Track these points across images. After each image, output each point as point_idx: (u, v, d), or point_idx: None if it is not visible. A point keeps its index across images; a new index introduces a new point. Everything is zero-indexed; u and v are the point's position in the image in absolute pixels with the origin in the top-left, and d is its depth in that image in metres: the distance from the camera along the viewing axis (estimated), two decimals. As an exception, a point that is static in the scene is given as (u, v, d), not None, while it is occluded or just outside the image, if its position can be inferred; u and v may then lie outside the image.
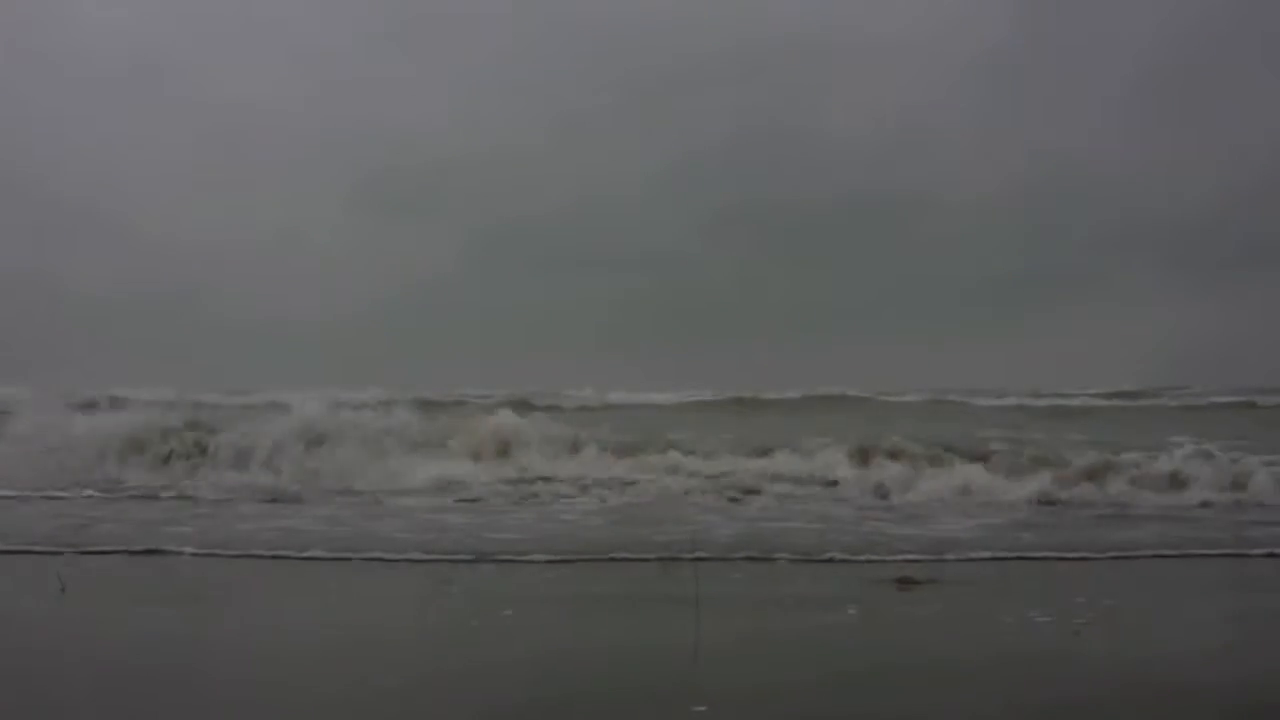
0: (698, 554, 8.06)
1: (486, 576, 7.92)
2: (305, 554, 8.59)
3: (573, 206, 36.09)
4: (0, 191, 34.77)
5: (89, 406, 18.18)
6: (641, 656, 5.63)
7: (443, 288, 34.55)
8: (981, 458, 13.43)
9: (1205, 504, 11.44)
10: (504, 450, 14.52)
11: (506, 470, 13.79)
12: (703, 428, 17.22)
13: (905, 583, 7.24)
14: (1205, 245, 33.80)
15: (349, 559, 8.44)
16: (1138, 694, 4.90)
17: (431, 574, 7.91)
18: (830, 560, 8.29)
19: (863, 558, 8.29)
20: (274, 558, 8.55)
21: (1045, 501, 11.54)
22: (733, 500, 12.07)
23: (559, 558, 8.41)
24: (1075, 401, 23.05)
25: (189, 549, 8.79)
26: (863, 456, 13.72)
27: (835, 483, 12.50)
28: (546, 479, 13.47)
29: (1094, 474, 12.39)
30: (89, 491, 12.85)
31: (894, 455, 13.70)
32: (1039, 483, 12.14)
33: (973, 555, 8.38)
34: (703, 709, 4.50)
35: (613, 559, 8.45)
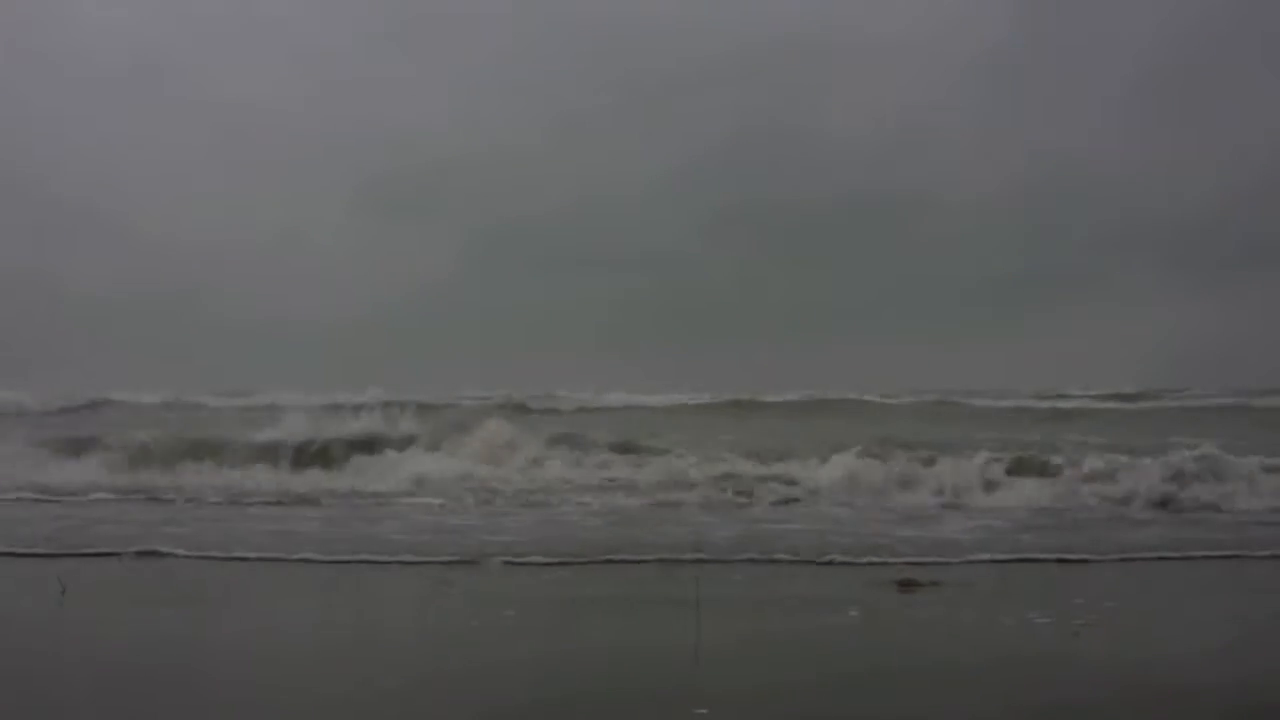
0: (698, 556, 8.07)
1: (486, 578, 7.91)
2: (300, 556, 8.59)
3: (573, 207, 36.08)
4: (0, 191, 34.77)
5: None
6: (642, 658, 5.62)
7: (443, 288, 34.53)
8: (981, 459, 13.40)
9: (1205, 506, 11.43)
10: (502, 453, 14.48)
11: (504, 473, 13.76)
12: (702, 429, 17.24)
13: (906, 585, 7.24)
14: (1205, 245, 33.78)
15: (348, 562, 8.44)
16: (1138, 695, 4.90)
17: (432, 576, 7.91)
18: (831, 562, 8.29)
19: (864, 560, 8.29)
20: (272, 560, 8.55)
21: (1045, 503, 11.52)
22: (733, 502, 12.06)
23: (558, 560, 8.41)
24: (1075, 403, 23.04)
25: (184, 551, 8.80)
26: (863, 458, 13.71)
27: (835, 484, 12.48)
28: (547, 481, 13.45)
29: (1094, 476, 12.38)
30: (90, 495, 12.82)
31: (894, 456, 13.69)
32: (1039, 484, 12.12)
33: (973, 557, 8.38)
34: (704, 711, 4.50)
35: (610, 561, 8.45)
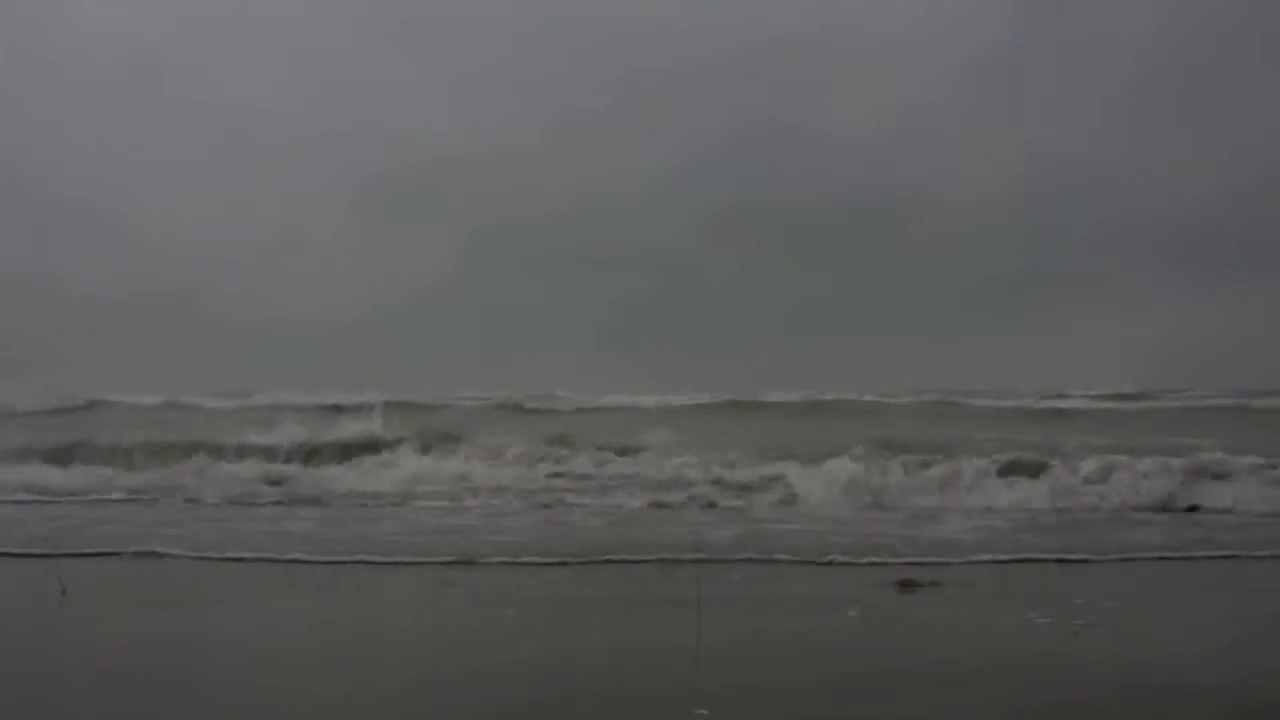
0: (698, 556, 8.06)
1: (486, 578, 7.91)
2: (300, 557, 8.59)
3: (573, 207, 36.08)
4: (3, 193, 34.77)
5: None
6: (642, 659, 5.62)
7: (443, 289, 34.52)
8: (981, 459, 13.39)
9: (1205, 506, 11.42)
10: (501, 453, 14.47)
11: (503, 473, 13.75)
12: (702, 429, 17.22)
13: (907, 585, 7.24)
14: (1205, 245, 33.78)
15: (346, 562, 8.43)
16: (1138, 696, 4.89)
17: (433, 576, 7.90)
18: (831, 563, 8.28)
19: (864, 560, 8.28)
20: (269, 560, 8.54)
21: (1045, 503, 11.52)
22: (733, 502, 12.06)
23: (557, 560, 8.41)
24: (1075, 403, 23.03)
25: (180, 551, 8.79)
26: (863, 458, 13.70)
27: (835, 484, 12.46)
28: (546, 481, 13.45)
29: (1094, 476, 12.37)
30: (85, 495, 12.81)
31: (894, 457, 13.68)
32: (1039, 485, 12.11)
33: (974, 558, 8.37)
34: (704, 712, 4.49)
35: (610, 561, 8.45)
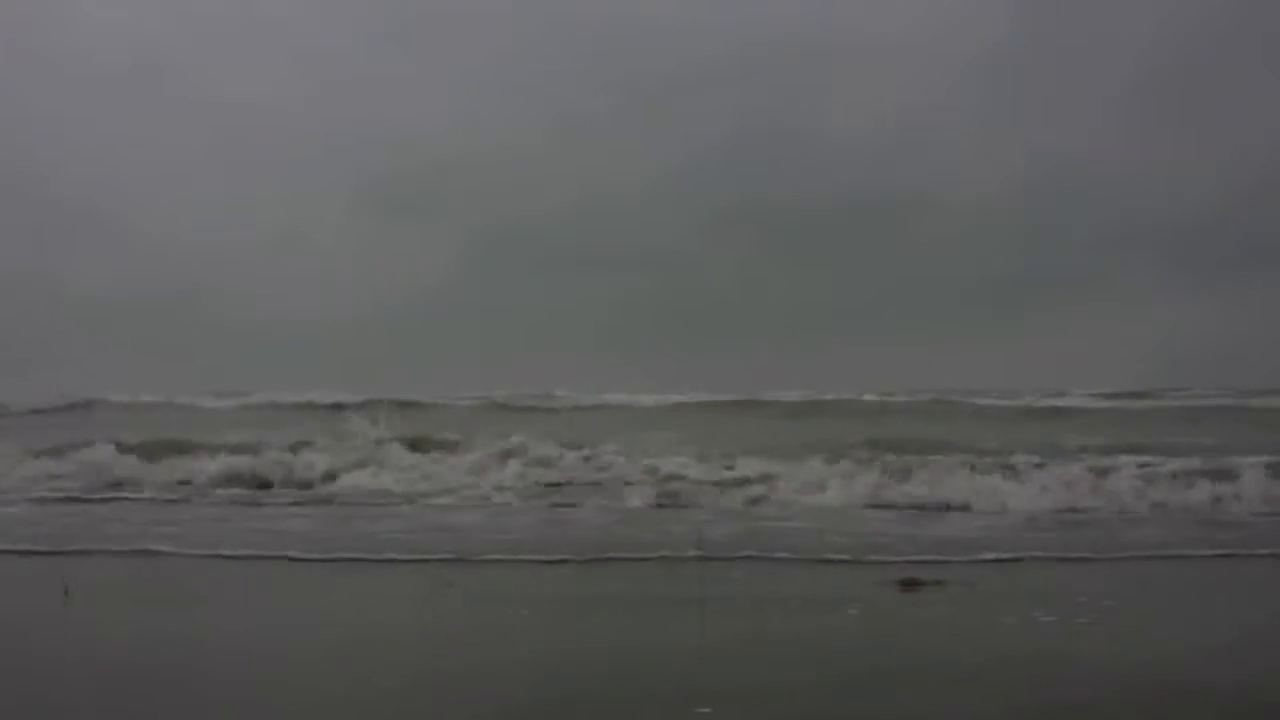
0: (700, 554, 8.06)
1: (486, 577, 7.91)
2: (300, 556, 8.58)
3: (573, 207, 36.08)
4: (3, 193, 34.76)
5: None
6: (644, 657, 5.61)
7: (443, 289, 34.53)
8: (982, 458, 13.40)
9: (1205, 506, 11.42)
10: (501, 452, 14.45)
11: (503, 473, 13.73)
12: (702, 429, 17.21)
13: (909, 584, 7.23)
14: (1205, 245, 33.79)
15: (346, 561, 8.43)
16: (1141, 695, 4.88)
17: (432, 575, 7.90)
18: (833, 561, 8.28)
19: (866, 559, 8.29)
20: (266, 559, 8.54)
21: (1047, 503, 11.51)
22: (734, 501, 12.05)
23: (558, 558, 8.41)
24: (1075, 402, 23.03)
25: (181, 550, 8.79)
26: (863, 457, 13.69)
27: (836, 484, 12.45)
28: (545, 480, 13.44)
29: (1094, 475, 12.36)
30: (81, 495, 12.79)
31: (896, 456, 13.68)
32: (1040, 484, 12.11)
33: (976, 557, 8.37)
34: (707, 710, 4.49)
35: (611, 559, 8.45)
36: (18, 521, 10.68)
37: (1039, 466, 12.77)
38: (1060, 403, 22.95)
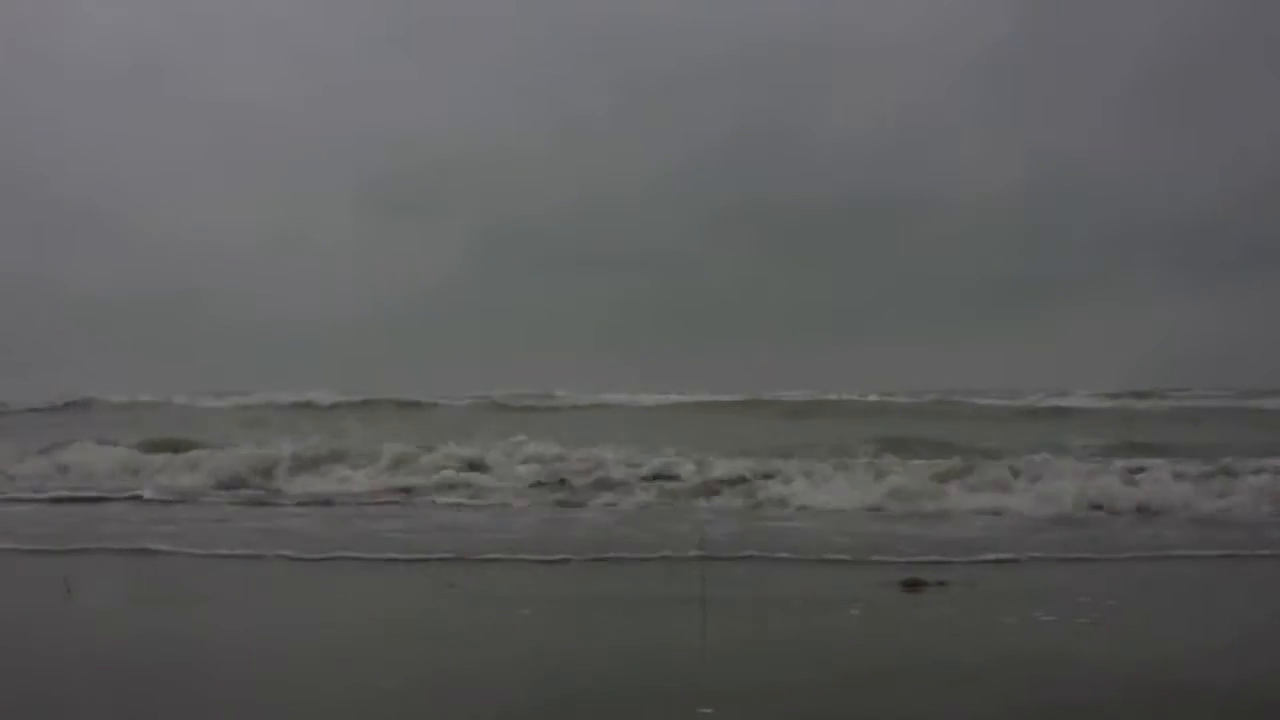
0: (702, 554, 8.05)
1: (487, 577, 7.90)
2: (299, 556, 8.58)
3: (574, 207, 36.11)
4: (3, 193, 34.78)
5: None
6: (646, 657, 5.60)
7: (444, 289, 34.56)
8: (983, 459, 13.40)
9: (1204, 505, 11.41)
10: (500, 452, 14.44)
11: (501, 472, 13.72)
12: (703, 429, 17.21)
13: (912, 585, 7.23)
14: (1205, 246, 33.83)
15: (347, 560, 8.42)
16: (1142, 695, 4.88)
17: (434, 574, 7.90)
18: (835, 562, 8.28)
19: (869, 560, 8.28)
20: (263, 558, 8.53)
21: (1048, 503, 11.50)
22: (736, 501, 12.05)
23: (559, 557, 8.41)
24: (1075, 402, 23.03)
25: (176, 549, 8.78)
26: (865, 458, 13.70)
27: (837, 484, 12.45)
28: (547, 479, 13.43)
29: (1095, 475, 12.36)
30: (76, 494, 12.76)
31: (897, 456, 13.68)
32: (1041, 483, 12.10)
33: (979, 557, 8.37)
34: (709, 711, 4.48)
35: (614, 559, 8.45)
36: (15, 520, 10.66)
37: (1040, 467, 12.76)
38: (1061, 403, 22.95)
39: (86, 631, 6.23)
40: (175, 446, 15.02)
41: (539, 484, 13.20)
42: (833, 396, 24.02)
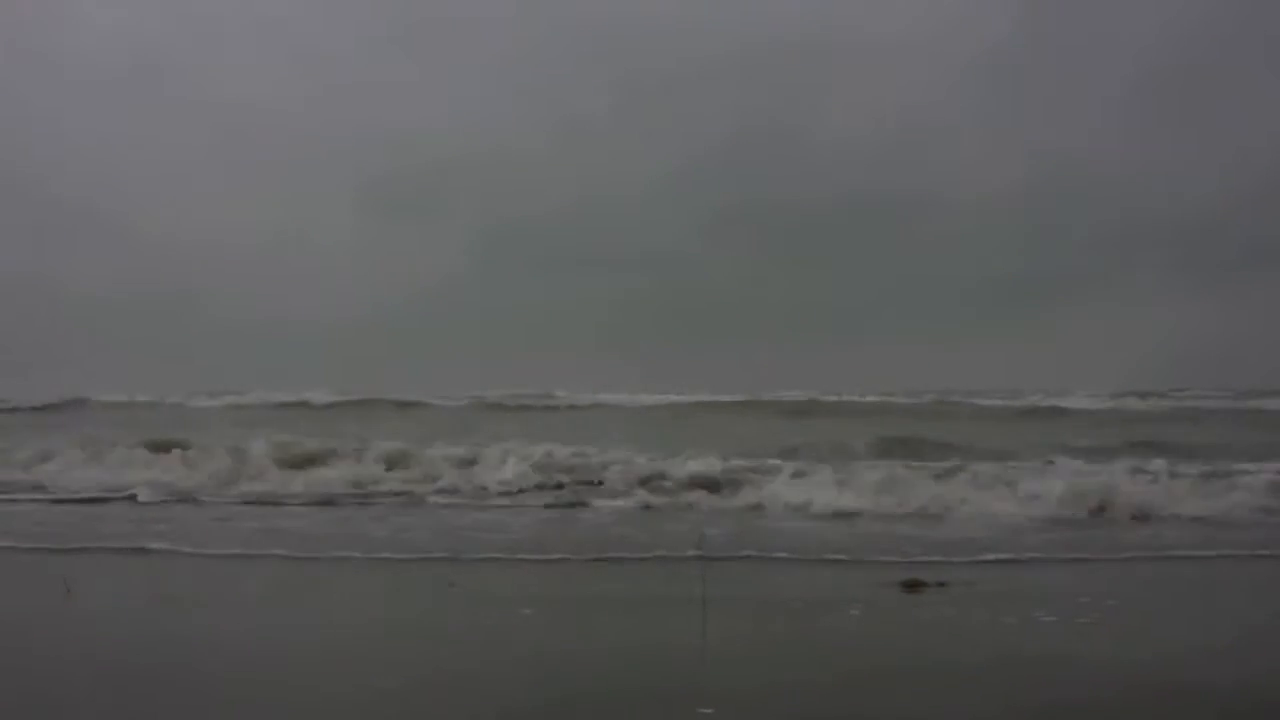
0: (702, 554, 8.04)
1: (486, 577, 7.89)
2: (297, 555, 8.57)
3: (574, 207, 36.13)
4: (3, 193, 34.80)
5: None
6: (647, 657, 5.58)
7: (445, 289, 34.59)
8: (982, 459, 13.39)
9: (1203, 505, 11.40)
10: (499, 450, 14.41)
11: (501, 471, 13.70)
12: (703, 428, 17.21)
13: (912, 585, 7.22)
14: (1205, 246, 33.85)
15: (347, 559, 8.41)
16: (1142, 694, 4.87)
17: (434, 574, 7.89)
18: (835, 562, 8.27)
19: (869, 560, 8.27)
20: (259, 557, 8.53)
21: (1047, 503, 11.49)
22: (735, 501, 12.03)
23: (558, 557, 8.40)
24: (1075, 402, 23.04)
25: (172, 548, 8.76)
26: (865, 458, 13.69)
27: (837, 484, 12.43)
28: (545, 479, 13.42)
29: (1094, 474, 12.34)
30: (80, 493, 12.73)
31: (897, 456, 13.67)
32: (1039, 483, 12.08)
33: (979, 558, 8.36)
34: (709, 711, 4.47)
35: (613, 558, 8.43)
36: (10, 519, 10.66)
37: (1040, 467, 12.75)
38: (1061, 403, 22.96)
39: (85, 628, 6.21)
40: (172, 446, 14.92)
41: (539, 485, 13.18)
42: (832, 397, 24.03)
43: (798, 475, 12.59)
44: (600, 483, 13.00)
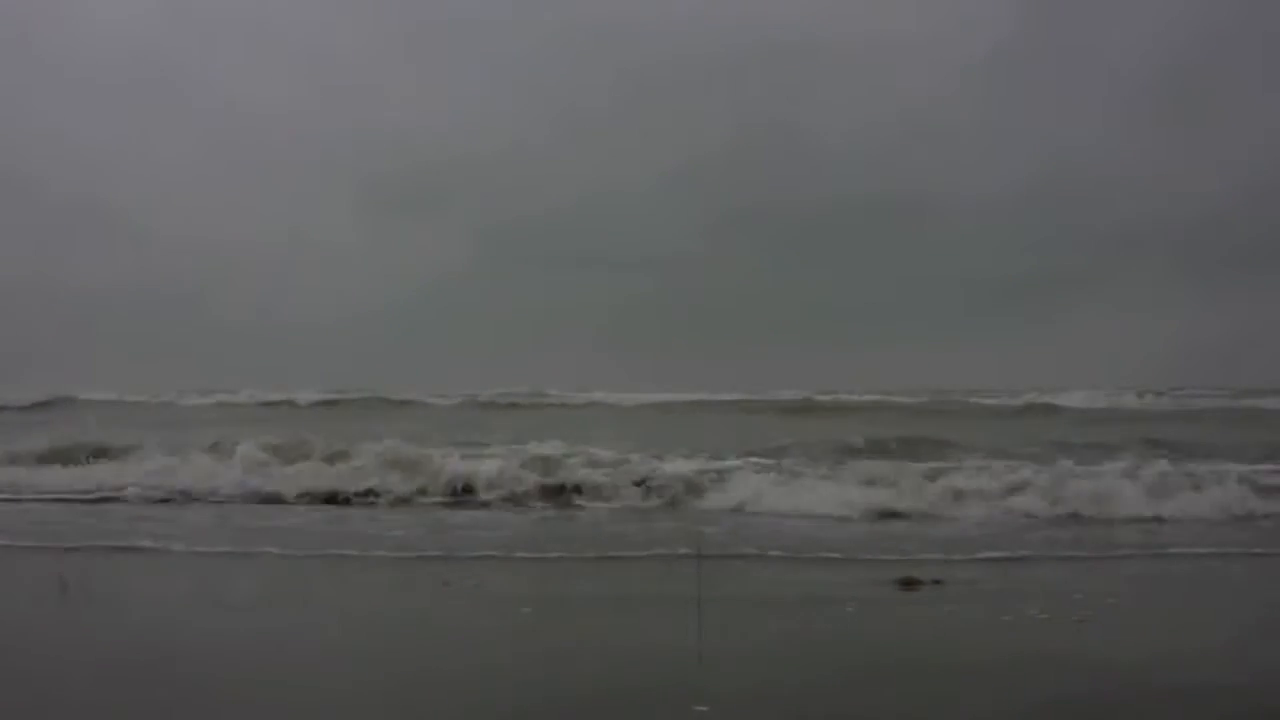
0: (698, 553, 8.02)
1: (481, 575, 7.86)
2: (298, 553, 8.56)
3: (575, 208, 36.17)
4: (12, 193, 34.83)
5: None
6: (642, 656, 5.56)
7: (445, 288, 34.64)
8: (982, 458, 13.38)
9: (1204, 505, 11.38)
10: (497, 449, 14.36)
11: (499, 470, 13.65)
12: (702, 426, 17.20)
13: (908, 583, 7.20)
14: (1206, 247, 33.87)
15: (346, 558, 8.39)
16: (1138, 692, 4.86)
17: (428, 573, 7.87)
18: (831, 560, 8.24)
19: (866, 558, 8.24)
20: (256, 556, 8.50)
21: (1046, 501, 11.48)
22: (733, 499, 12.00)
23: (553, 556, 8.37)
24: (1075, 401, 23.03)
25: (166, 546, 8.74)
26: (864, 456, 13.66)
27: (836, 482, 12.41)
28: (542, 477, 13.37)
29: (1094, 474, 12.32)
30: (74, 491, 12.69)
31: (895, 455, 13.65)
32: (1040, 483, 12.07)
33: (976, 556, 8.34)
34: (704, 709, 4.45)
35: (609, 557, 8.41)
36: (6, 516, 10.65)
37: (1037, 466, 12.72)
38: (1059, 401, 22.95)
39: (83, 625, 6.20)
40: (167, 444, 14.81)
41: (534, 484, 13.12)
42: (832, 395, 24.03)
43: (793, 473, 12.57)
44: (593, 481, 12.94)
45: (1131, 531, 9.96)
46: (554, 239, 36.12)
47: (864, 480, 12.13)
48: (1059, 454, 13.53)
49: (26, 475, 13.33)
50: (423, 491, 12.54)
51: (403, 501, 12.28)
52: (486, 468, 12.89)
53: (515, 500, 12.24)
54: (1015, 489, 11.80)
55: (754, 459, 13.49)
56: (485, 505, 11.99)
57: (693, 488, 12.31)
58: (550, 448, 13.56)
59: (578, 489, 12.55)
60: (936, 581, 7.26)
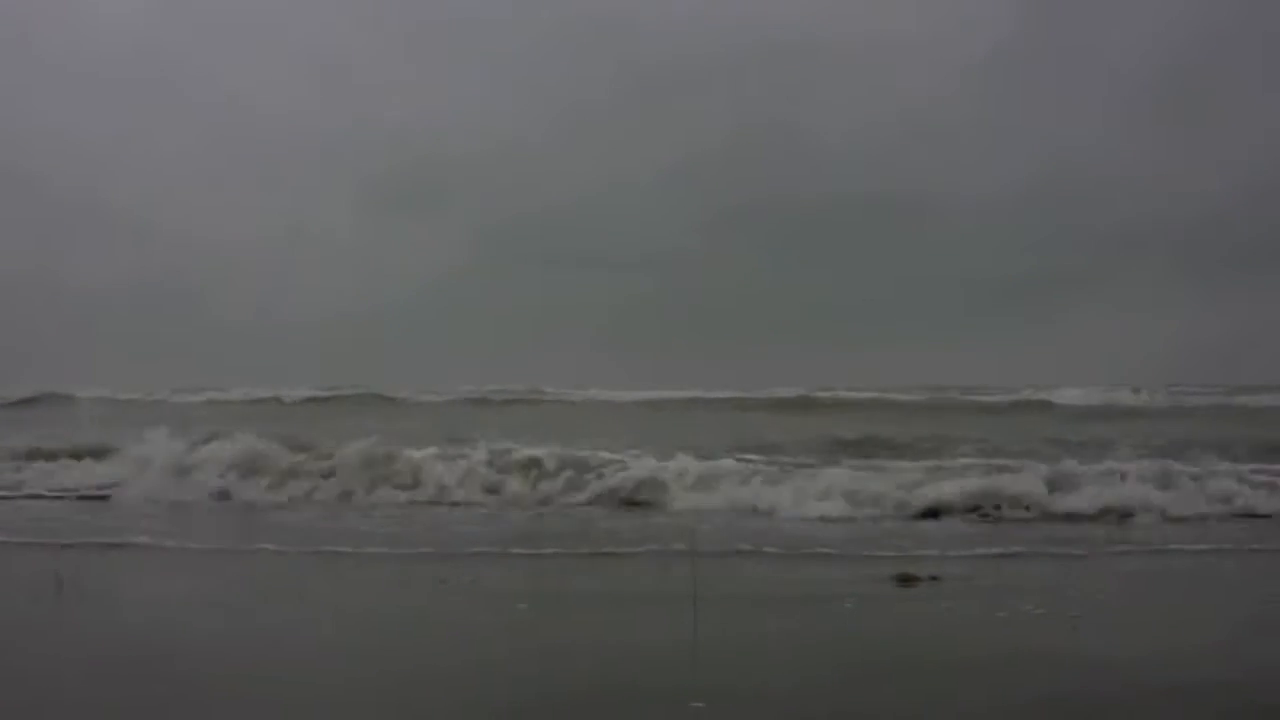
0: (694, 549, 8.01)
1: (479, 572, 7.85)
2: (295, 550, 8.54)
3: (574, 206, 36.17)
4: (12, 189, 34.82)
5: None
6: (638, 652, 5.55)
7: (445, 287, 34.65)
8: (980, 456, 13.36)
9: (1200, 503, 11.37)
10: (495, 448, 14.32)
11: (498, 469, 13.63)
12: (701, 425, 17.18)
13: (905, 579, 7.19)
14: (1206, 247, 33.88)
15: (344, 555, 8.38)
16: (1135, 688, 4.86)
17: (423, 570, 7.86)
18: (828, 556, 8.23)
19: (862, 554, 8.24)
20: (253, 554, 8.49)
21: (1043, 500, 11.47)
22: (730, 496, 11.99)
23: (549, 552, 8.36)
24: (1074, 400, 23.00)
25: (160, 544, 8.74)
26: (862, 455, 13.65)
27: (834, 481, 12.39)
28: (538, 476, 13.35)
29: (1092, 473, 12.31)
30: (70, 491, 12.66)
31: (893, 453, 13.64)
32: (1039, 482, 12.06)
33: (972, 552, 8.34)
34: (700, 705, 4.44)
35: (606, 554, 8.40)
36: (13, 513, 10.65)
37: (1036, 463, 12.71)
38: (1054, 398, 22.95)
39: (78, 623, 6.19)
40: (161, 443, 14.75)
41: (529, 481, 13.09)
42: (831, 393, 24.02)
43: (790, 470, 12.56)
44: (589, 480, 12.92)
45: (1127, 528, 9.95)
46: (553, 237, 36.13)
47: (859, 476, 12.11)
48: (1054, 450, 13.54)
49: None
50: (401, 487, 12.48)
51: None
52: (457, 467, 12.85)
53: (515, 496, 12.22)
54: (1012, 485, 11.80)
55: (749, 455, 13.47)
56: (456, 505, 11.94)
57: (685, 484, 12.29)
58: (533, 445, 13.50)
59: (577, 485, 12.55)
60: (933, 578, 7.25)
